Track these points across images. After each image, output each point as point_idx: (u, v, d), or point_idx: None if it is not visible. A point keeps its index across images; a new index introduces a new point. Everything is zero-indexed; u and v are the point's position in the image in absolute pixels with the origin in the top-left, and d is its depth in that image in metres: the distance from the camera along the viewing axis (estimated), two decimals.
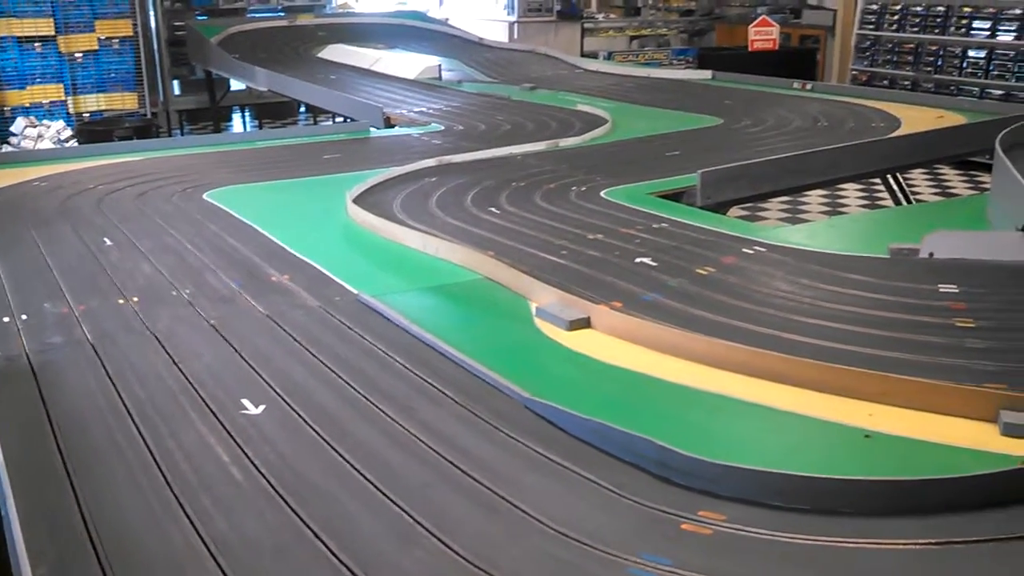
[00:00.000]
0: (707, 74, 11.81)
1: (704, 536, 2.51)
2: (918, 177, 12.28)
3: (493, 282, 4.52)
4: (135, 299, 4.37)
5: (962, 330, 3.67)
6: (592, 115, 9.39)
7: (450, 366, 3.58)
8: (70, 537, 2.48)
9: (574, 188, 6.40)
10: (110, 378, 3.51)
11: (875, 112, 9.02)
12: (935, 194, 11.75)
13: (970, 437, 2.92)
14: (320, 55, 14.39)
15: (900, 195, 8.80)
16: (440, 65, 12.66)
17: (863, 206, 10.91)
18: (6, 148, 12.77)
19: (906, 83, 14.73)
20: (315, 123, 16.45)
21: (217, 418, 3.17)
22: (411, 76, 12.34)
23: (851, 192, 11.40)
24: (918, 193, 11.17)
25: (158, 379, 3.50)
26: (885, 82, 15.00)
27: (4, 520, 2.55)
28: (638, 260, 4.71)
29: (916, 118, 8.52)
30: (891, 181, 8.55)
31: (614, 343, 3.77)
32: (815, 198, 11.26)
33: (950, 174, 12.65)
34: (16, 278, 4.73)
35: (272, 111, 17.43)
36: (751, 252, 4.80)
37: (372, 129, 9.34)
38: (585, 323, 3.92)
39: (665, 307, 4.04)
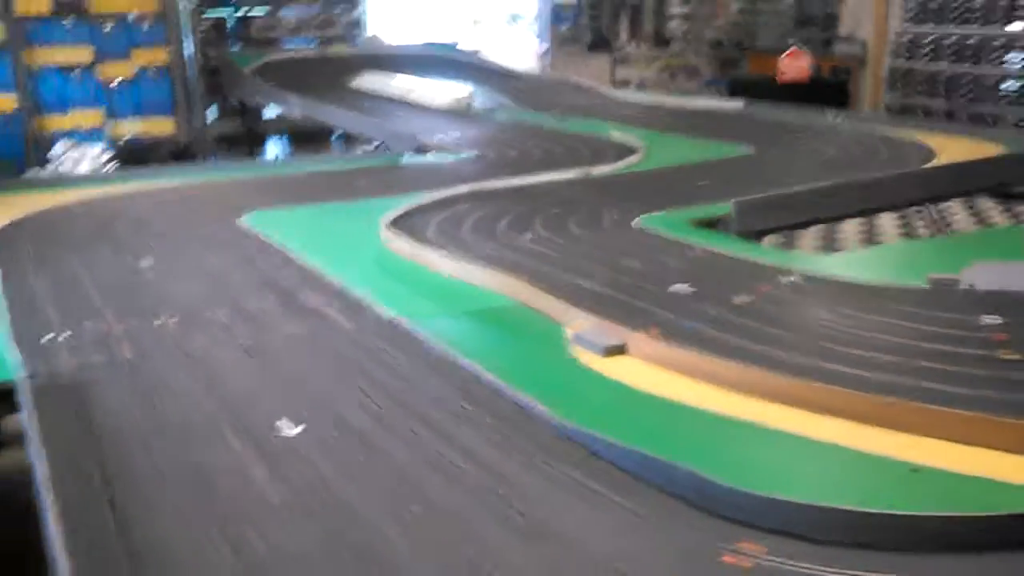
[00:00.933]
0: (738, 104, 11.81)
1: (744, 569, 2.47)
2: (956, 207, 12.13)
3: (528, 307, 4.51)
4: (173, 320, 4.40)
5: (1006, 362, 3.61)
6: (624, 143, 9.41)
7: (486, 391, 3.57)
8: (111, 560, 2.48)
9: (607, 215, 6.39)
10: (149, 398, 3.53)
11: (909, 143, 8.96)
12: (974, 224, 11.60)
13: (1019, 472, 2.85)
14: (353, 84, 14.54)
15: (938, 225, 8.71)
16: (472, 94, 12.75)
17: (900, 235, 10.78)
18: (47, 171, 12.93)
19: (940, 113, 14.62)
20: (348, 150, 16.57)
21: (254, 440, 3.17)
22: (444, 104, 12.43)
23: (887, 221, 11.28)
24: (956, 223, 11.05)
25: (195, 400, 3.52)
26: (919, 112, 14.90)
27: (47, 541, 2.55)
28: (673, 287, 4.67)
29: (951, 148, 8.45)
30: (929, 211, 8.47)
31: (651, 370, 3.75)
32: (851, 226, 11.14)
33: (988, 204, 12.48)
34: (58, 298, 4.79)
35: (306, 138, 17.57)
36: (788, 281, 4.76)
37: (405, 155, 9.40)
38: (621, 350, 3.90)
39: (702, 335, 4.00)
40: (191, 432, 3.24)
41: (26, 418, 3.30)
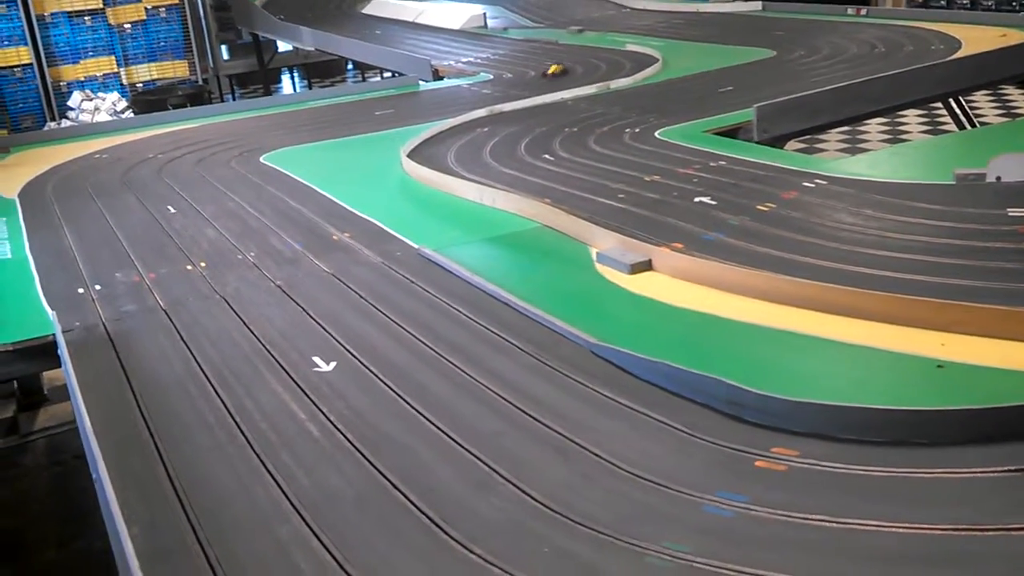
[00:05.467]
0: (757, 5, 11.56)
1: (779, 472, 2.52)
2: (981, 99, 11.92)
3: (552, 229, 4.52)
4: (202, 264, 4.47)
5: None
6: (642, 55, 9.26)
7: (515, 315, 3.60)
8: (160, 499, 2.56)
9: (628, 130, 6.34)
10: (185, 343, 3.60)
11: (934, 34, 8.77)
12: (1000, 115, 11.41)
13: None
14: (364, 10, 14.37)
15: (963, 119, 8.57)
16: (485, 13, 12.57)
17: (925, 132, 10.64)
18: (65, 123, 13.00)
19: (965, 2, 14.24)
20: (364, 80, 16.47)
21: (291, 377, 3.24)
22: (456, 26, 12.27)
23: (912, 118, 11.12)
24: (982, 116, 10.86)
25: (231, 342, 3.58)
26: (943, 2, 14.51)
27: (96, 484, 2.65)
28: (697, 199, 4.67)
29: (977, 38, 8.26)
30: (953, 105, 8.32)
31: (677, 284, 3.76)
32: (875, 126, 11.00)
33: (1015, 94, 12.26)
34: (87, 249, 4.86)
35: (320, 70, 17.49)
36: (812, 185, 4.73)
37: (421, 82, 9.34)
38: (647, 266, 3.91)
39: (727, 246, 4.01)
40: (228, 372, 3.32)
41: (66, 371, 3.39)
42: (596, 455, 2.64)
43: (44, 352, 3.72)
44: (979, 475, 2.40)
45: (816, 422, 2.66)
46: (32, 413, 5.62)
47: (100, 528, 2.61)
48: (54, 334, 3.71)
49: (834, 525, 2.25)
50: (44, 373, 5.59)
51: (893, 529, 2.20)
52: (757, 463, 2.55)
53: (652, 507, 2.39)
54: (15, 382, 5.64)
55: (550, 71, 8.53)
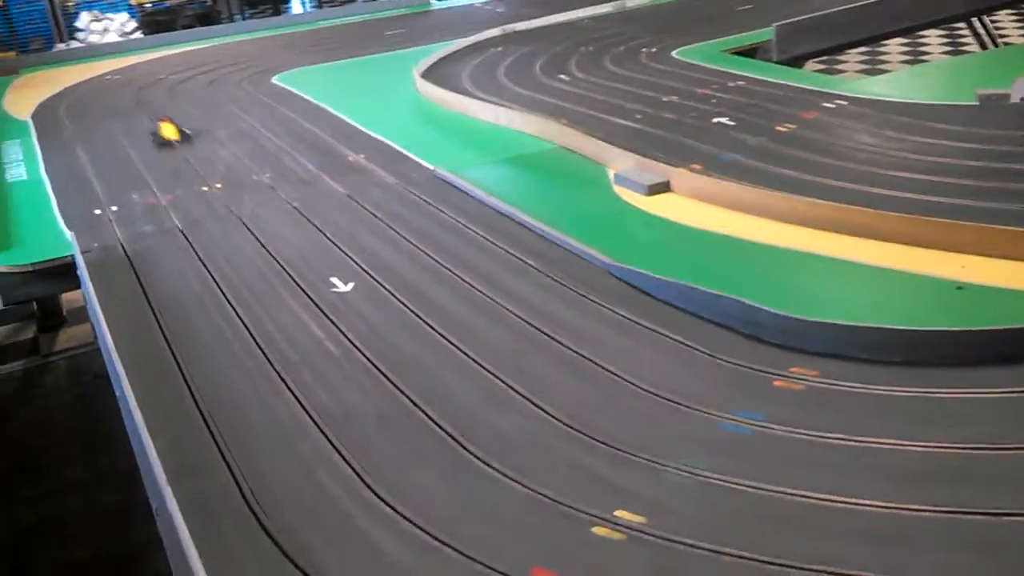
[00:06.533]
0: None
1: (796, 391, 2.52)
2: (1005, 18, 11.65)
3: (568, 150, 4.48)
4: (218, 186, 4.46)
5: None
6: None
7: (531, 236, 3.59)
8: (184, 415, 2.59)
9: (644, 50, 6.24)
10: (203, 263, 3.61)
11: None
12: None
13: None
14: None
15: (986, 38, 8.39)
16: None
17: (946, 52, 10.43)
18: (74, 44, 12.86)
19: None
20: None
21: (309, 296, 3.24)
22: None
23: (933, 38, 10.88)
24: (1006, 35, 10.63)
25: (249, 262, 3.59)
26: None
27: (120, 402, 2.68)
28: (715, 120, 4.61)
29: None
30: (976, 24, 8.15)
31: (695, 206, 3.73)
32: (895, 46, 10.78)
33: None
34: (102, 171, 4.85)
35: None
36: (832, 106, 4.66)
37: (433, 1, 9.19)
38: (665, 187, 3.88)
39: (745, 167, 3.96)
40: (247, 292, 3.33)
41: (85, 291, 3.41)
42: (613, 373, 2.65)
43: (63, 273, 3.75)
44: (998, 395, 2.41)
45: (835, 342, 2.66)
46: (52, 334, 5.69)
47: (122, 446, 2.65)
48: (72, 255, 3.72)
49: (852, 444, 2.26)
50: (63, 296, 5.63)
51: (911, 448, 2.21)
52: (775, 382, 2.56)
53: (669, 424, 2.41)
54: (35, 303, 5.70)
55: (163, 133, 5.49)
